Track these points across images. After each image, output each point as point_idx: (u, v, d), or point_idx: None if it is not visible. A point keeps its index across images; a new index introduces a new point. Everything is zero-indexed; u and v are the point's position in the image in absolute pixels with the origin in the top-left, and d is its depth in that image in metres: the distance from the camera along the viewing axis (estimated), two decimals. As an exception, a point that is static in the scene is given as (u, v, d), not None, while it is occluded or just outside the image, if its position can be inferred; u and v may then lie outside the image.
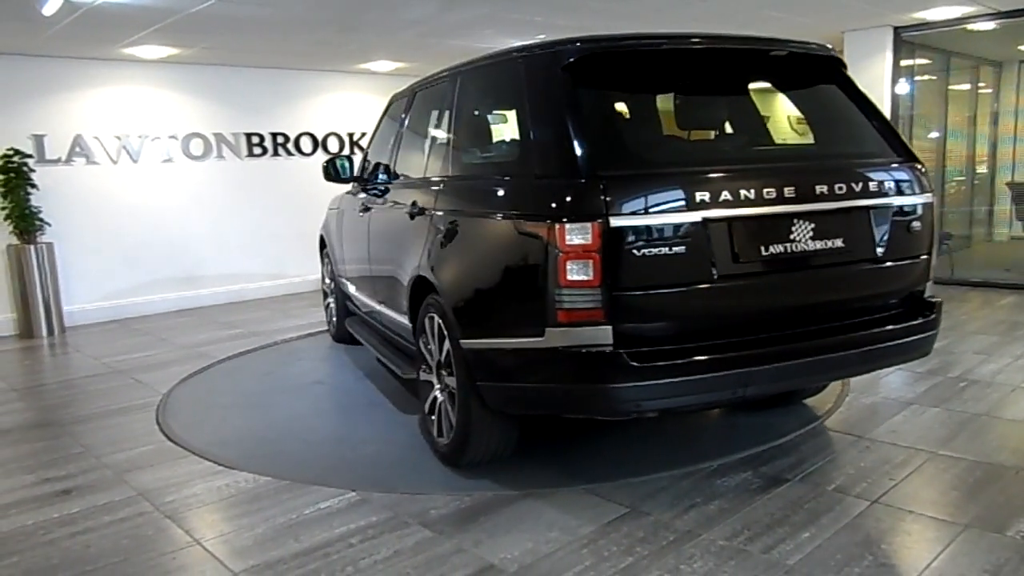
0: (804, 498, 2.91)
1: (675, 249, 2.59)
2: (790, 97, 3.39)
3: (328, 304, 6.05)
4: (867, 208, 2.94)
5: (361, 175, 4.89)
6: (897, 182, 3.03)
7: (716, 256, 2.66)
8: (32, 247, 6.76)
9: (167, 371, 5.26)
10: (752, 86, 3.34)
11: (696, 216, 2.61)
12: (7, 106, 6.81)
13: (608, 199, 2.51)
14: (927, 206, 3.10)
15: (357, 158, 5.18)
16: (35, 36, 6.05)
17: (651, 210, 2.57)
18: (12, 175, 6.60)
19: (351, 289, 5.11)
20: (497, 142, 3.55)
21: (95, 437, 3.98)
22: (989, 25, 7.22)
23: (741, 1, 6.07)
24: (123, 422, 4.22)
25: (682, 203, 2.61)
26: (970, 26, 7.25)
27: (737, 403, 4.08)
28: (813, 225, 2.81)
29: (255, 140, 8.34)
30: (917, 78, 8.21)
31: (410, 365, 3.77)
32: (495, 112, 3.66)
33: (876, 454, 3.32)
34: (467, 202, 3.25)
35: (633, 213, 2.54)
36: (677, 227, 2.60)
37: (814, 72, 3.28)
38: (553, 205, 2.58)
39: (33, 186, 6.71)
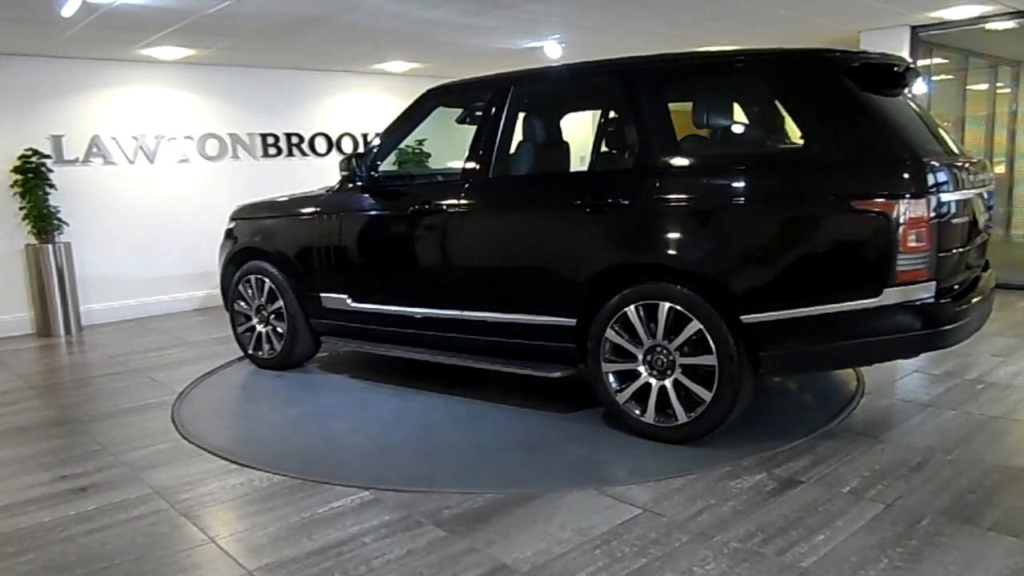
0: (819, 500, 2.90)
1: (966, 218, 3.34)
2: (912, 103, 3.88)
3: (254, 327, 5.14)
4: (985, 191, 3.70)
5: (374, 175, 4.56)
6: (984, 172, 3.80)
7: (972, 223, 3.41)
8: (50, 247, 6.82)
9: (182, 370, 5.30)
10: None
11: (972, 193, 3.38)
12: (26, 107, 6.88)
13: (936, 179, 3.10)
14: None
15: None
16: (53, 38, 6.11)
17: (957, 188, 3.22)
18: (30, 175, 6.67)
19: (350, 302, 4.63)
20: (755, 133, 4.07)
21: (111, 435, 4.01)
22: (1008, 24, 7.14)
23: (756, 0, 6.03)
24: (139, 420, 4.25)
25: (968, 182, 3.32)
26: (988, 25, 7.17)
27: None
28: (982, 203, 3.61)
29: (270, 140, 8.39)
30: (935, 78, 8.13)
31: (557, 364, 3.86)
32: (744, 105, 4.03)
33: (892, 456, 3.30)
34: (741, 187, 3.42)
35: (949, 190, 3.16)
36: (966, 201, 3.33)
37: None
38: (897, 185, 3.09)
39: (51, 186, 6.79)
